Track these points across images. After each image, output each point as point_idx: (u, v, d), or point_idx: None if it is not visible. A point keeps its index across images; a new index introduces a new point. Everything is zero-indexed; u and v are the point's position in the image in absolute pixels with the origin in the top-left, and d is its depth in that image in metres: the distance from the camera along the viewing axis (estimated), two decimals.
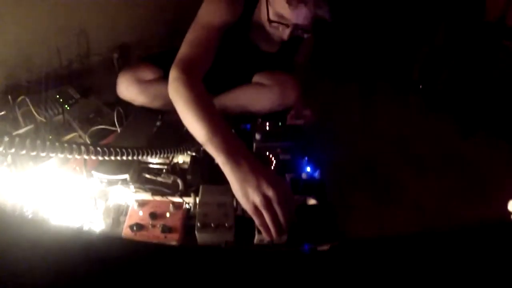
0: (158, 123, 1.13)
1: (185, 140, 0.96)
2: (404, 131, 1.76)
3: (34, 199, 0.83)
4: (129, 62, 1.61)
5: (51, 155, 0.60)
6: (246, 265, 0.35)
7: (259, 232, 0.75)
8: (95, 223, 0.83)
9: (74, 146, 0.63)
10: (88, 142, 1.12)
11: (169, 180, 0.93)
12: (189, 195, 0.88)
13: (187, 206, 0.87)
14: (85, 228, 0.82)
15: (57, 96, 1.30)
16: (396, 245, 0.37)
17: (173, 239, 0.78)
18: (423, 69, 2.23)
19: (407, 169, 1.53)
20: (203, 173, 0.93)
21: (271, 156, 1.03)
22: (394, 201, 1.36)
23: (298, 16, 1.07)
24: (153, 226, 0.80)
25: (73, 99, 1.32)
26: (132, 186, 0.89)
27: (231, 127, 1.07)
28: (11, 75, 1.30)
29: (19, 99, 1.15)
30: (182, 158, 1.02)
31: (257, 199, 0.70)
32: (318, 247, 0.86)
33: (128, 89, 1.26)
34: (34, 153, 0.56)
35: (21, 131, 1.09)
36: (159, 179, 0.93)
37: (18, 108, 1.14)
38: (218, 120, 0.82)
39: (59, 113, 1.23)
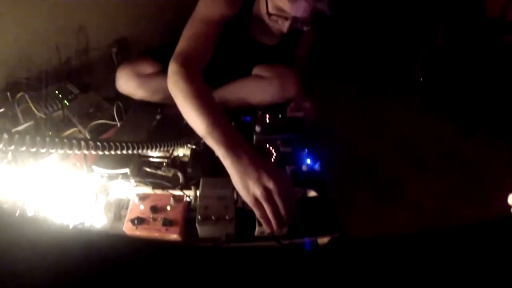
0: (157, 117, 1.13)
1: (185, 134, 0.96)
2: (404, 131, 1.76)
3: (35, 196, 0.83)
4: (128, 56, 1.61)
5: (51, 151, 0.60)
6: (247, 262, 0.35)
7: (260, 224, 0.75)
8: (96, 218, 0.83)
9: (74, 141, 0.63)
10: (88, 137, 1.12)
11: (170, 173, 0.93)
12: (189, 188, 0.88)
13: (187, 199, 0.88)
14: (87, 223, 0.82)
15: (56, 92, 1.29)
16: (398, 243, 0.37)
17: (174, 232, 0.78)
18: (423, 68, 2.22)
19: (407, 169, 1.53)
20: (204, 166, 0.93)
21: (271, 148, 1.03)
22: (394, 201, 1.36)
23: (297, 9, 1.06)
24: (154, 219, 0.80)
25: (73, 94, 1.32)
26: (132, 180, 0.90)
27: (231, 120, 1.07)
28: (11, 74, 1.30)
29: (18, 95, 1.15)
30: (182, 151, 1.02)
31: (257, 192, 0.71)
32: (319, 239, 0.86)
33: (128, 83, 1.26)
34: (34, 150, 0.56)
35: (20, 127, 1.09)
36: (159, 172, 0.94)
37: (17, 105, 1.14)
38: (218, 113, 0.82)
39: (59, 109, 1.23)
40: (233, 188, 0.76)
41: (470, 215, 1.29)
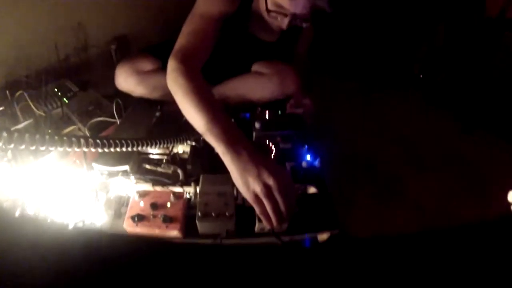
0: (157, 114, 1.12)
1: (185, 130, 0.96)
2: (404, 130, 1.76)
3: (35, 194, 0.83)
4: (127, 54, 1.61)
5: (51, 149, 0.60)
6: (247, 261, 0.35)
7: (260, 220, 0.75)
8: (96, 215, 0.84)
9: (73, 139, 0.63)
10: (88, 134, 1.12)
11: (169, 170, 0.93)
12: (189, 185, 0.88)
13: (187, 195, 0.88)
14: (87, 221, 0.82)
15: (56, 90, 1.29)
16: (398, 243, 0.37)
17: (174, 229, 0.78)
18: (423, 66, 2.22)
19: (407, 168, 1.53)
20: (203, 163, 0.93)
21: (271, 145, 1.03)
22: (394, 200, 1.36)
23: (296, 5, 1.06)
24: (154, 216, 0.80)
25: (72, 92, 1.32)
26: (132, 177, 0.90)
27: (231, 117, 1.07)
28: (10, 73, 1.30)
29: (18, 94, 1.15)
30: (182, 148, 1.02)
31: (257, 188, 0.71)
32: (318, 235, 0.86)
33: (127, 81, 1.26)
34: (33, 148, 0.56)
35: (20, 126, 1.09)
36: (159, 169, 0.93)
37: (16, 103, 1.14)
38: (217, 110, 0.82)
39: (58, 106, 1.23)
40: (233, 185, 0.76)
41: (470, 215, 1.29)
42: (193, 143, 0.98)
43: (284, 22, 1.12)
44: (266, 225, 0.74)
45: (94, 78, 1.49)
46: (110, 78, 1.30)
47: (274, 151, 1.01)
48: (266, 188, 0.70)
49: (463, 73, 2.04)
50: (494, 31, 1.90)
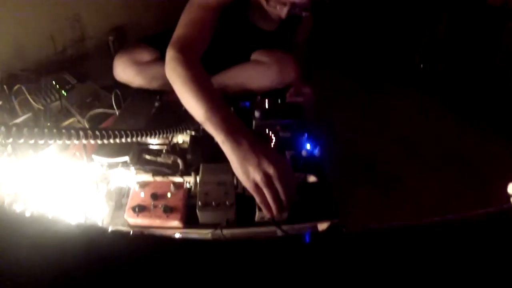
0: (156, 104, 1.12)
1: (184, 120, 0.96)
2: (404, 130, 1.74)
3: (36, 188, 0.83)
4: (125, 44, 1.59)
5: (50, 142, 0.59)
6: (247, 255, 0.35)
7: (260, 209, 0.75)
8: (97, 207, 0.84)
9: (72, 131, 0.63)
10: (87, 126, 1.11)
11: (169, 160, 0.93)
12: (189, 175, 0.88)
13: (187, 185, 0.88)
14: (88, 213, 0.83)
15: (54, 83, 1.29)
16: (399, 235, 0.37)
17: (175, 219, 0.79)
18: (424, 56, 2.20)
19: (407, 168, 1.52)
20: (203, 152, 0.93)
21: (270, 133, 1.02)
22: (394, 200, 1.36)
23: None
24: (155, 206, 0.80)
25: (70, 84, 1.31)
26: (132, 168, 0.90)
27: (230, 106, 1.06)
28: (7, 67, 1.29)
29: (15, 88, 1.14)
30: (182, 138, 1.02)
31: (257, 177, 0.70)
32: (318, 224, 0.87)
33: (125, 71, 1.25)
34: (32, 141, 0.56)
35: (19, 120, 1.08)
36: (159, 159, 0.93)
37: (14, 97, 1.13)
38: (216, 99, 0.81)
39: (56, 99, 1.22)
40: (233, 174, 0.76)
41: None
42: (193, 133, 0.98)
43: (283, 11, 1.11)
44: (266, 214, 0.74)
45: (92, 69, 1.48)
46: (108, 69, 1.29)
47: (273, 140, 1.01)
48: (266, 177, 0.70)
49: (465, 63, 2.03)
50: (496, 21, 1.88)
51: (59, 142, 0.61)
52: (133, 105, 1.11)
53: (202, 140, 0.97)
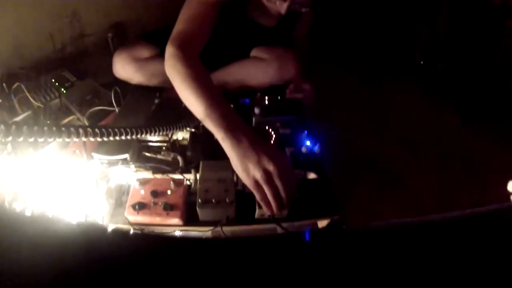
0: (156, 101, 1.12)
1: (184, 117, 0.96)
2: (404, 130, 1.73)
3: (36, 186, 0.83)
4: (124, 41, 1.59)
5: (50, 140, 0.59)
6: (248, 254, 0.35)
7: (260, 206, 0.75)
8: (97, 205, 0.84)
9: (72, 129, 0.63)
10: (86, 124, 1.11)
11: (169, 157, 0.93)
12: (189, 172, 0.88)
13: (187, 182, 0.88)
14: (88, 211, 0.83)
15: (53, 81, 1.28)
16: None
17: (175, 216, 0.79)
18: (424, 52, 2.19)
19: (407, 168, 1.51)
20: (203, 149, 0.93)
21: (270, 130, 1.02)
22: (394, 200, 1.36)
23: None
24: (155, 204, 0.80)
25: (69, 82, 1.31)
26: (132, 166, 0.90)
27: (230, 102, 1.06)
28: (6, 65, 1.29)
29: (15, 86, 1.14)
30: (182, 135, 1.02)
31: (257, 174, 0.70)
32: (318, 221, 0.87)
33: (125, 68, 1.25)
34: (32, 140, 0.56)
35: (18, 118, 1.08)
36: (159, 157, 0.94)
37: (14, 95, 1.13)
38: (216, 96, 0.81)
39: (56, 97, 1.22)
40: (233, 171, 0.76)
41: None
42: (193, 130, 0.98)
43: (282, 7, 1.10)
44: (266, 211, 0.74)
45: (92, 67, 1.48)
46: (108, 67, 1.29)
47: (273, 137, 1.01)
48: (266, 174, 0.70)
49: (465, 60, 2.02)
50: (496, 19, 1.88)
51: (59, 140, 0.61)
52: (133, 102, 1.11)
53: (202, 137, 0.96)
